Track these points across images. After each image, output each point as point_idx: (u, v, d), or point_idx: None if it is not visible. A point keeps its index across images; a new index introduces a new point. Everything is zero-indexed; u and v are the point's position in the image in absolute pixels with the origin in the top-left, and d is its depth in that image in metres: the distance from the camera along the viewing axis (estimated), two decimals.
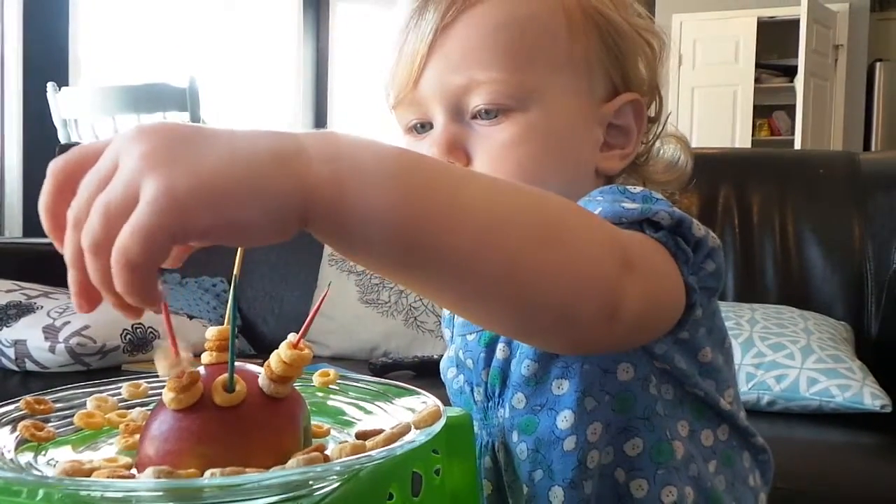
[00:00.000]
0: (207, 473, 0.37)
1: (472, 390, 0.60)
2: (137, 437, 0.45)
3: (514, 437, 0.57)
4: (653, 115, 0.64)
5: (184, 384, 0.41)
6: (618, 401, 0.54)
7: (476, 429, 0.57)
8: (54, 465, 0.42)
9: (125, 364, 1.56)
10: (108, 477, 0.38)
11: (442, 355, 0.67)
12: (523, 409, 0.56)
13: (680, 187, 0.65)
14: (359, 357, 1.76)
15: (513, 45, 0.56)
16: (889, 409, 1.32)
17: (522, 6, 0.56)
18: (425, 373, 1.53)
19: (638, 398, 0.54)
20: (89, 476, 0.38)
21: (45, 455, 0.44)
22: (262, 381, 0.43)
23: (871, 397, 1.33)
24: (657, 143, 0.64)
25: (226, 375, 0.42)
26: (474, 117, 0.57)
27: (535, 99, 0.56)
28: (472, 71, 0.55)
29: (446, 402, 0.64)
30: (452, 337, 0.64)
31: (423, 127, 0.60)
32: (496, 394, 0.58)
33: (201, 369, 0.44)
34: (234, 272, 0.49)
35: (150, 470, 0.37)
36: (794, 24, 4.75)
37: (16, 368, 1.56)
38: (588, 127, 0.59)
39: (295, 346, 0.44)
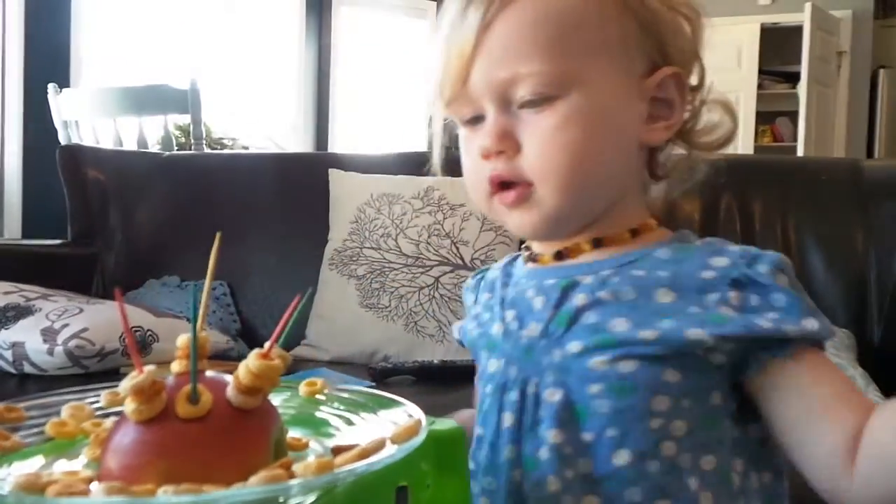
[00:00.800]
0: (160, 491, 0.35)
1: (520, 327, 0.63)
2: None
3: (592, 388, 0.58)
4: (695, 83, 0.66)
5: (146, 394, 0.40)
6: (703, 420, 0.58)
7: (498, 364, 0.63)
8: (8, 480, 0.40)
9: (123, 367, 1.55)
10: (60, 493, 0.36)
11: (443, 360, 0.71)
12: (580, 354, 0.59)
13: (722, 147, 0.68)
14: (358, 361, 1.75)
15: (550, 37, 0.59)
16: None
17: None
18: (425, 378, 1.52)
19: (725, 428, 0.59)
20: (44, 490, 0.37)
21: (8, 466, 0.43)
22: (230, 391, 0.42)
23: None
24: (703, 109, 0.67)
25: (189, 387, 0.41)
26: (521, 107, 0.60)
27: (576, 85, 0.59)
28: (514, 65, 0.59)
29: (443, 410, 0.64)
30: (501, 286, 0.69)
31: (477, 119, 0.63)
32: (555, 335, 0.61)
33: (170, 379, 0.42)
34: (208, 273, 0.48)
35: (101, 486, 0.35)
36: (798, 30, 4.75)
37: (13, 371, 1.55)
38: (630, 103, 0.62)
39: (265, 355, 0.43)
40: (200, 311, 0.46)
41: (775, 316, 0.57)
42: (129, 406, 0.40)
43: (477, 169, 0.63)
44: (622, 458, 0.57)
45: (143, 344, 1.56)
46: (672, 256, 0.61)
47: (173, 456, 0.39)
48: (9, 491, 0.37)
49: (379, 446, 0.41)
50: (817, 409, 0.56)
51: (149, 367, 0.42)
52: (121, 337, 1.53)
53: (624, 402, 0.57)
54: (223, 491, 0.36)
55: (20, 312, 1.58)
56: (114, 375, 1.51)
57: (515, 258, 0.71)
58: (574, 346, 0.59)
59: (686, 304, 0.58)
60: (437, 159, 0.74)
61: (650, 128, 0.63)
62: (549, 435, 0.58)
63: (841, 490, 0.54)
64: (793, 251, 1.74)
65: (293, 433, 0.48)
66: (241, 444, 0.41)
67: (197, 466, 0.39)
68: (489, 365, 0.64)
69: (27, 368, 1.53)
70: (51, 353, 1.50)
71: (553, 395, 0.59)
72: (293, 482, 0.37)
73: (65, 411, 0.48)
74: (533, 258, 0.67)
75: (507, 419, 0.61)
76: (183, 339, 0.46)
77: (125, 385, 0.40)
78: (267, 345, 0.44)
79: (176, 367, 0.45)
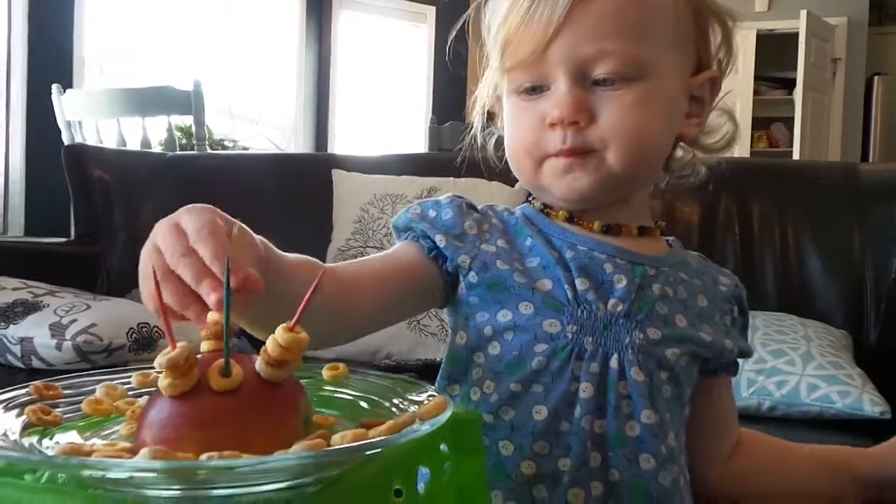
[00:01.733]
0: (204, 456, 0.36)
1: (598, 298, 0.63)
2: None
3: (662, 374, 0.64)
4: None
5: (181, 369, 0.40)
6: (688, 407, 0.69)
7: (566, 329, 0.63)
8: (55, 448, 0.42)
9: (130, 363, 1.56)
10: (106, 456, 0.37)
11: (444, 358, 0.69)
12: (658, 342, 0.64)
13: (724, 150, 0.72)
14: (362, 360, 1.77)
15: (638, 21, 0.62)
16: (888, 416, 1.34)
17: None
18: (428, 376, 1.53)
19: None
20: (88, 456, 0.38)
21: (50, 439, 0.44)
22: (259, 364, 0.42)
23: (870, 404, 1.34)
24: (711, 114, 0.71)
25: (221, 361, 0.41)
26: (596, 83, 0.62)
27: (651, 70, 0.62)
28: (602, 42, 0.61)
29: None
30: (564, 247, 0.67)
31: (536, 90, 0.64)
32: (636, 318, 0.64)
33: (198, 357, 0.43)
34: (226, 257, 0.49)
35: (145, 450, 0.36)
36: (793, 37, 4.78)
37: (21, 366, 1.56)
38: (682, 97, 0.66)
39: (291, 328, 0.43)
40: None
41: (742, 339, 0.71)
42: (163, 381, 0.41)
43: (535, 136, 0.64)
44: (671, 439, 0.64)
45: (149, 340, 1.58)
46: (698, 267, 0.71)
47: (209, 428, 0.40)
48: (54, 455, 0.39)
49: (409, 420, 0.42)
50: (730, 415, 0.74)
51: (181, 343, 0.43)
52: (128, 332, 1.55)
53: (677, 390, 0.65)
54: (266, 457, 0.37)
55: (28, 308, 1.59)
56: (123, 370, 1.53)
57: (515, 212, 0.70)
58: (654, 332, 0.64)
59: (715, 310, 0.68)
60: (477, 123, 0.74)
61: (687, 122, 0.68)
62: (644, 414, 0.62)
63: (715, 474, 0.72)
64: (791, 253, 1.77)
65: (321, 413, 0.50)
66: (274, 415, 0.42)
67: (232, 438, 0.39)
68: (546, 324, 0.62)
69: (35, 363, 1.55)
70: (59, 347, 1.51)
71: (639, 375, 0.62)
72: (336, 447, 0.38)
73: (99, 390, 0.50)
74: (571, 220, 0.67)
75: (586, 389, 0.61)
76: (213, 317, 0.47)
77: (160, 360, 0.41)
78: (294, 319, 0.45)
79: (204, 346, 0.46)
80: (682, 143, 0.70)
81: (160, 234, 0.48)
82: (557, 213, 0.68)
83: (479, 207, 0.70)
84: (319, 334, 0.45)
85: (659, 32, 0.63)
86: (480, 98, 0.72)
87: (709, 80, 0.68)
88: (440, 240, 0.65)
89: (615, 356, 0.62)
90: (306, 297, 0.46)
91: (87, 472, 0.38)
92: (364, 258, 0.68)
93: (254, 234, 0.53)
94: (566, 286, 0.63)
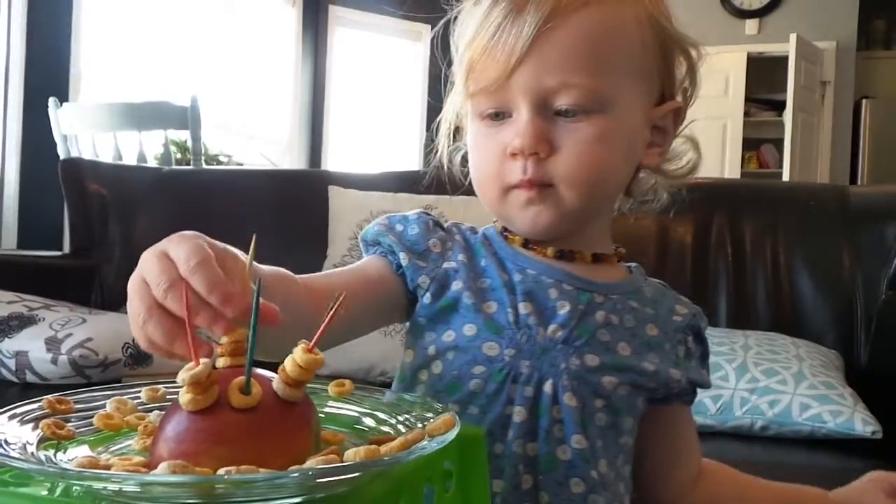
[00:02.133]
0: (222, 471, 0.37)
1: (538, 323, 0.64)
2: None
3: (598, 402, 0.63)
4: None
5: (203, 385, 0.41)
6: (634, 437, 0.69)
7: (504, 353, 0.63)
8: (71, 462, 0.42)
9: (125, 377, 1.56)
10: (124, 469, 0.38)
11: None
12: (595, 370, 0.64)
13: (686, 177, 0.72)
14: (356, 377, 1.77)
15: (603, 54, 0.62)
16: (880, 436, 1.35)
17: (612, 18, 0.62)
18: None
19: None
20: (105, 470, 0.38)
21: (64, 453, 0.45)
22: (277, 384, 0.43)
23: (862, 423, 1.36)
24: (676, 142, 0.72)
25: (242, 378, 0.42)
26: (558, 114, 0.62)
27: (614, 103, 0.62)
28: (565, 74, 0.61)
29: None
30: (513, 270, 0.68)
31: (499, 115, 0.64)
32: (575, 344, 0.64)
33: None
34: (251, 268, 0.50)
35: (164, 464, 0.37)
36: (783, 60, 4.84)
37: (16, 380, 1.56)
38: (643, 128, 0.67)
39: (310, 350, 0.44)
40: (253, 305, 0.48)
41: (701, 369, 0.71)
42: (185, 396, 0.41)
43: (497, 165, 0.64)
44: (603, 466, 0.64)
45: (145, 354, 1.58)
46: (653, 296, 0.70)
47: (227, 443, 0.41)
48: (73, 469, 0.39)
49: (419, 437, 0.43)
50: (692, 441, 0.74)
51: (204, 360, 0.43)
52: (123, 347, 1.55)
53: (613, 418, 0.64)
54: (282, 471, 0.37)
55: (23, 322, 1.59)
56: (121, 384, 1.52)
57: (478, 232, 0.71)
58: (592, 359, 0.64)
59: (665, 340, 0.68)
60: (444, 144, 0.73)
61: (648, 152, 0.68)
62: (574, 439, 0.62)
63: (675, 500, 0.73)
64: (782, 274, 1.78)
65: (329, 429, 0.51)
66: (290, 433, 0.43)
67: (249, 453, 0.40)
68: (486, 347, 0.63)
69: (29, 377, 1.54)
70: (54, 361, 1.51)
71: (571, 400, 0.62)
72: (352, 463, 0.39)
73: (110, 405, 0.50)
74: (526, 245, 0.68)
75: (519, 413, 0.62)
76: (228, 337, 0.48)
77: (183, 376, 0.42)
78: (313, 341, 0.46)
79: (221, 362, 0.47)
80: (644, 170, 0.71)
81: (146, 265, 0.47)
82: (514, 238, 0.69)
83: (444, 225, 0.71)
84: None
85: (624, 66, 0.63)
86: (446, 119, 0.72)
87: (672, 111, 0.68)
88: (403, 258, 0.66)
89: (549, 381, 0.62)
90: (325, 321, 0.46)
91: (101, 486, 0.38)
92: (331, 271, 0.68)
93: (238, 255, 0.51)
94: (509, 309, 0.64)
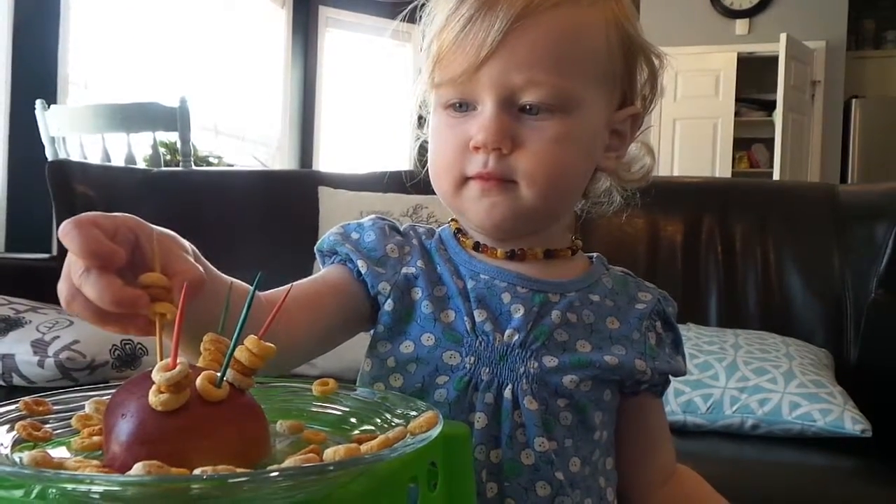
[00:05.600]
0: (198, 471, 0.36)
1: (494, 329, 0.64)
2: (96, 438, 0.45)
3: (560, 402, 0.63)
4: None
5: (182, 385, 0.40)
6: (611, 429, 0.68)
7: (465, 361, 0.63)
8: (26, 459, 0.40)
9: (113, 380, 1.55)
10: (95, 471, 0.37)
11: None
12: (554, 371, 0.63)
13: (642, 182, 0.72)
14: (346, 377, 1.73)
15: (571, 55, 0.62)
16: (869, 434, 1.35)
17: (582, 20, 0.62)
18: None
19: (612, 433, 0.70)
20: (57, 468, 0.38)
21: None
22: (231, 374, 0.43)
23: (851, 422, 1.36)
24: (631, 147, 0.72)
25: (209, 373, 0.42)
26: (522, 110, 0.62)
27: (578, 105, 0.62)
28: (533, 71, 0.60)
29: None
30: (468, 275, 0.67)
31: (463, 107, 0.63)
32: (532, 347, 0.63)
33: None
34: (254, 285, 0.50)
35: (139, 465, 0.36)
36: (773, 60, 4.86)
37: (2, 383, 1.55)
38: (604, 132, 0.67)
39: (260, 338, 0.45)
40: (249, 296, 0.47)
41: (675, 355, 0.70)
42: (159, 397, 0.40)
43: (456, 155, 0.63)
44: (575, 465, 0.64)
45: (132, 356, 1.57)
46: (613, 287, 0.70)
47: (212, 437, 0.41)
48: (51, 471, 0.38)
49: (401, 435, 0.42)
50: (660, 434, 0.73)
51: (181, 361, 0.43)
52: (111, 349, 1.54)
53: (580, 416, 0.64)
54: (259, 471, 0.37)
55: (10, 324, 1.58)
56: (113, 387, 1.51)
57: (434, 234, 0.71)
58: (550, 360, 0.63)
59: (629, 330, 0.67)
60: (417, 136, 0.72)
61: (605, 156, 0.68)
62: (537, 442, 0.62)
63: (645, 493, 0.72)
64: (772, 272, 1.79)
65: (312, 428, 0.50)
66: (258, 419, 0.44)
67: (235, 445, 0.40)
68: (447, 356, 0.63)
69: (16, 380, 1.53)
70: (41, 364, 1.50)
71: (532, 404, 0.62)
72: (329, 462, 0.38)
73: (89, 406, 0.50)
74: (477, 247, 0.68)
75: (480, 419, 0.62)
76: (209, 336, 0.47)
77: (158, 377, 0.41)
78: (262, 329, 0.46)
79: (200, 362, 0.46)
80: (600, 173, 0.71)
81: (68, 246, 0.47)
82: (466, 241, 0.69)
83: (401, 229, 0.71)
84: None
85: (590, 68, 0.63)
86: (412, 109, 0.71)
87: (630, 116, 0.68)
88: (362, 266, 0.66)
89: (509, 386, 0.62)
90: (274, 311, 0.46)
91: (74, 487, 0.38)
92: (292, 284, 0.65)
93: (178, 238, 0.51)
94: (465, 318, 0.64)
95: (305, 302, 0.63)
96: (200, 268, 0.49)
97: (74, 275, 0.46)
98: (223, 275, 0.57)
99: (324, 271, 0.68)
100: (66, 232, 0.46)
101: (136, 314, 0.46)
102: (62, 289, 0.47)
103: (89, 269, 0.45)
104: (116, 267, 0.46)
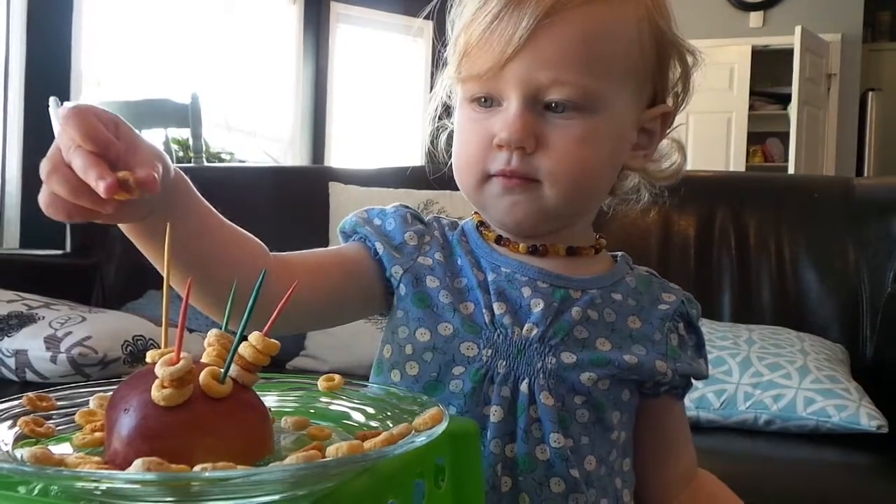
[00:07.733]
0: (198, 468, 0.36)
1: (513, 323, 0.63)
2: (98, 434, 0.44)
3: (577, 399, 0.63)
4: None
5: (185, 380, 0.40)
6: (629, 430, 0.68)
7: (482, 353, 0.63)
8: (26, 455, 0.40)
9: (125, 376, 1.55)
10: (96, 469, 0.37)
11: None
12: (572, 367, 0.63)
13: (671, 179, 0.71)
14: (357, 373, 1.76)
15: (599, 54, 0.60)
16: (885, 430, 1.34)
17: (611, 18, 0.61)
18: None
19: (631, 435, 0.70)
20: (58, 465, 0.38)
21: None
22: (235, 371, 0.43)
23: (867, 418, 1.34)
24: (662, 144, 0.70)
25: (212, 369, 0.42)
26: (547, 108, 0.61)
27: (606, 105, 0.61)
28: (560, 70, 0.59)
29: None
30: (488, 267, 0.67)
31: (487, 101, 0.63)
32: (551, 342, 0.63)
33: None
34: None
35: (139, 462, 0.36)
36: (788, 53, 4.82)
37: (15, 378, 1.56)
38: (631, 131, 0.65)
39: (264, 335, 0.44)
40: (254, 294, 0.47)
41: (698, 358, 0.69)
42: (162, 391, 0.40)
43: (480, 151, 0.63)
44: (591, 463, 0.63)
45: (144, 352, 1.57)
46: (636, 286, 0.69)
47: (216, 433, 0.40)
48: (53, 468, 0.38)
49: (405, 432, 0.42)
50: (680, 438, 0.72)
51: (185, 356, 0.43)
52: (123, 345, 1.55)
53: (597, 414, 0.64)
54: (261, 468, 0.37)
55: (23, 321, 1.59)
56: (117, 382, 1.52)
57: (458, 227, 0.71)
58: (568, 357, 0.63)
59: (651, 330, 0.66)
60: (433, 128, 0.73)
61: (634, 154, 0.67)
62: (552, 438, 0.61)
63: (662, 498, 0.71)
64: (787, 267, 1.77)
65: (317, 424, 0.50)
66: (261, 416, 0.43)
67: (238, 442, 0.40)
68: (464, 347, 0.63)
69: (29, 376, 1.54)
70: (54, 360, 1.51)
71: (548, 399, 0.62)
72: (331, 459, 0.38)
73: (93, 402, 0.49)
74: (499, 241, 0.68)
75: (496, 413, 0.62)
76: (214, 332, 0.47)
77: (163, 373, 0.41)
78: (266, 326, 0.45)
79: (205, 358, 0.46)
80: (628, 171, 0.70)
81: (62, 132, 0.48)
82: (489, 234, 0.68)
83: (425, 219, 0.70)
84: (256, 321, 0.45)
85: (619, 67, 0.61)
86: (436, 97, 0.70)
87: (661, 115, 0.67)
88: (379, 247, 0.66)
89: (526, 381, 0.62)
90: (277, 309, 0.46)
91: (79, 485, 0.37)
92: (307, 250, 0.67)
93: (164, 157, 0.52)
94: (485, 310, 0.64)
95: (313, 265, 0.64)
96: (156, 174, 0.49)
97: (64, 149, 0.47)
98: (214, 211, 0.60)
99: (343, 245, 0.69)
100: (68, 116, 0.47)
101: (106, 201, 0.47)
102: (43, 164, 0.48)
103: (81, 148, 0.47)
104: (110, 157, 0.47)
